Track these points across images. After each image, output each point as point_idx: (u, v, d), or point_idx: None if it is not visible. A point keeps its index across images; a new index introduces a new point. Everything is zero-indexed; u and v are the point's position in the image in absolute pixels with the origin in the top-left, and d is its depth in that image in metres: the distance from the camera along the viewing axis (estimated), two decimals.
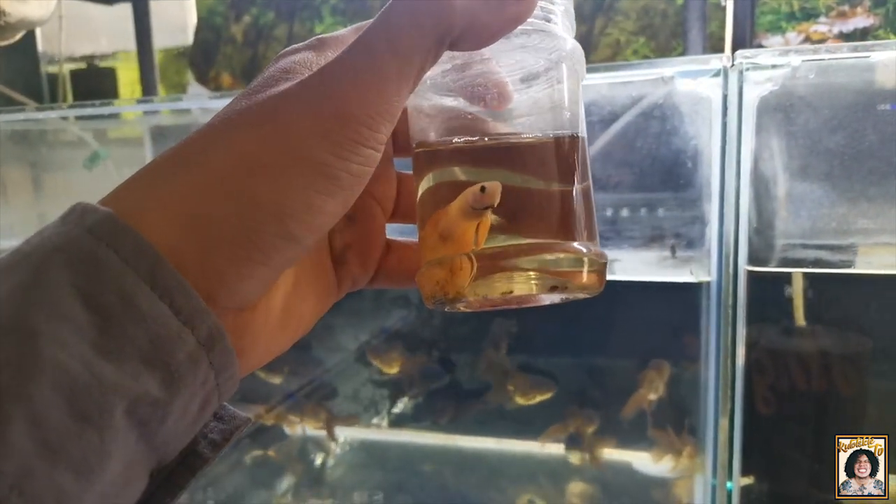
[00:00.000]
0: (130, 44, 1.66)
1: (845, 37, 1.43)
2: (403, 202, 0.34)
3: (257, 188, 0.24)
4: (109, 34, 1.90)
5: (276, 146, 0.24)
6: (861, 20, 1.45)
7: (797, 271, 0.93)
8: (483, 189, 0.27)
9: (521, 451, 1.29)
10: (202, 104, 1.27)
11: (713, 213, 0.87)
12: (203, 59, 1.68)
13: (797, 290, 0.95)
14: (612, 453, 1.19)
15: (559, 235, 0.28)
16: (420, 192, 0.30)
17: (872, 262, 0.90)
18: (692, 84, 0.88)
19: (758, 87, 0.85)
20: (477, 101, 0.29)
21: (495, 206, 0.27)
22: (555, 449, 1.22)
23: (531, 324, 1.23)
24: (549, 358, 1.24)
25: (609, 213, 0.95)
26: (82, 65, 1.94)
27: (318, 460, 1.38)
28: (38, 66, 1.93)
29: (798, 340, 0.97)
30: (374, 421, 1.38)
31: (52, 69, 1.93)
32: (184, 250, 0.24)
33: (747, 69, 0.85)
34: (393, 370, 1.34)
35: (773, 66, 0.85)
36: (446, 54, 0.27)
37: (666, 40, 1.47)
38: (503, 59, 0.29)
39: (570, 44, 0.30)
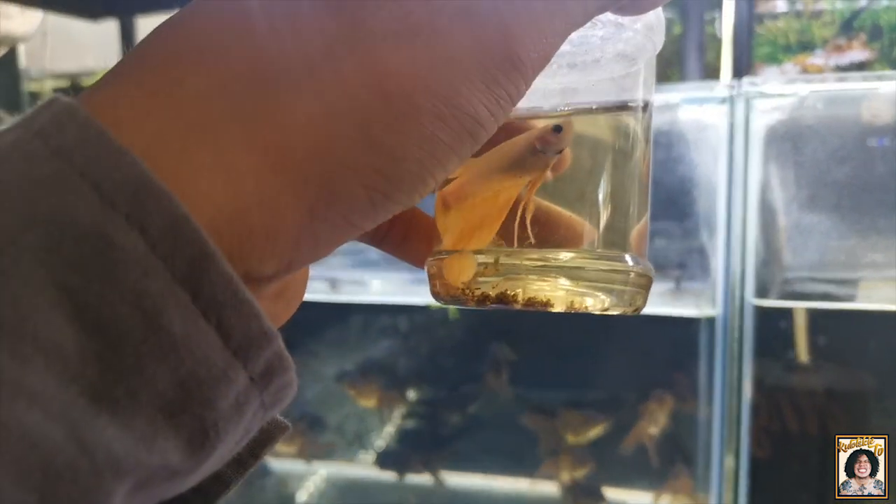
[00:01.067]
0: (115, 61, 1.62)
1: (841, 69, 1.43)
2: None
3: (406, 135, 0.17)
4: (94, 51, 1.87)
5: (434, 81, 0.17)
6: (857, 54, 1.45)
7: (803, 305, 0.90)
8: (558, 128, 0.22)
9: (512, 490, 1.24)
10: None
11: (719, 245, 0.84)
12: None
13: (799, 326, 0.93)
14: (607, 492, 1.14)
15: (606, 244, 0.24)
16: None
17: (872, 296, 0.88)
18: (698, 111, 0.86)
19: (765, 116, 0.83)
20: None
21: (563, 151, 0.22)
22: (547, 488, 1.17)
23: (529, 353, 1.20)
24: (547, 391, 1.21)
25: None
26: (65, 82, 1.90)
27: (298, 497, 1.32)
28: (18, 82, 1.89)
29: (800, 377, 0.94)
30: (360, 455, 1.33)
31: (35, 86, 1.89)
32: (259, 211, 0.16)
33: (754, 97, 0.83)
34: (370, 403, 1.29)
35: (781, 95, 0.83)
36: None
37: (662, 68, 1.46)
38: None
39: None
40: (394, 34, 0.17)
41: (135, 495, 0.15)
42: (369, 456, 1.32)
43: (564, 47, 0.22)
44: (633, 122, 0.25)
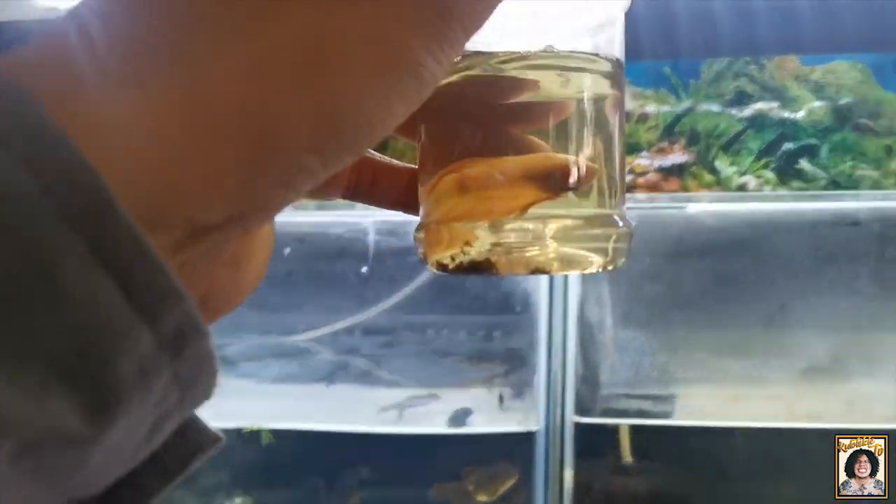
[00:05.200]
0: None
1: (665, 171, 1.52)
2: None
3: (335, 78, 0.17)
4: None
5: (359, 27, 0.17)
6: (678, 157, 1.55)
7: (620, 422, 0.91)
8: (583, 167, 0.23)
9: None
10: None
11: (541, 361, 0.84)
12: None
13: (623, 440, 0.94)
14: None
15: (605, 202, 0.24)
16: (438, 116, 0.25)
17: (693, 408, 0.90)
18: None
19: None
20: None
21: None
22: None
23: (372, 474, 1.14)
24: None
25: (438, 356, 0.89)
26: None
27: None
28: None
29: (624, 489, 0.95)
30: None
31: None
32: (199, 161, 0.16)
33: None
34: None
35: None
36: None
37: None
38: None
39: None
40: None
41: (22, 457, 0.14)
42: None
43: None
44: (613, 75, 0.25)
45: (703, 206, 0.82)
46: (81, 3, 0.17)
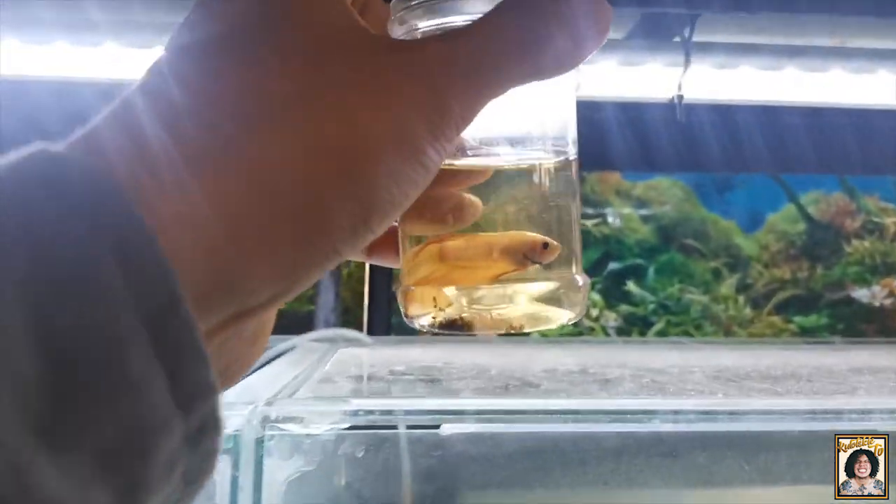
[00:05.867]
0: None
1: None
2: None
3: (377, 169, 0.20)
4: None
5: (387, 120, 0.20)
6: None
7: None
8: (547, 246, 0.26)
9: None
10: None
11: None
12: None
13: None
14: None
15: (566, 267, 0.27)
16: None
17: None
18: None
19: (284, 466, 0.58)
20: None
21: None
22: None
23: None
24: None
25: None
26: None
27: None
28: None
29: None
30: None
31: None
32: (241, 245, 0.18)
33: (270, 439, 0.58)
34: None
35: (307, 434, 0.58)
36: None
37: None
38: None
39: None
40: (355, 83, 0.20)
41: None
42: None
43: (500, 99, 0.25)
44: (570, 157, 0.27)
45: (456, 428, 0.57)
46: (141, 89, 0.19)
